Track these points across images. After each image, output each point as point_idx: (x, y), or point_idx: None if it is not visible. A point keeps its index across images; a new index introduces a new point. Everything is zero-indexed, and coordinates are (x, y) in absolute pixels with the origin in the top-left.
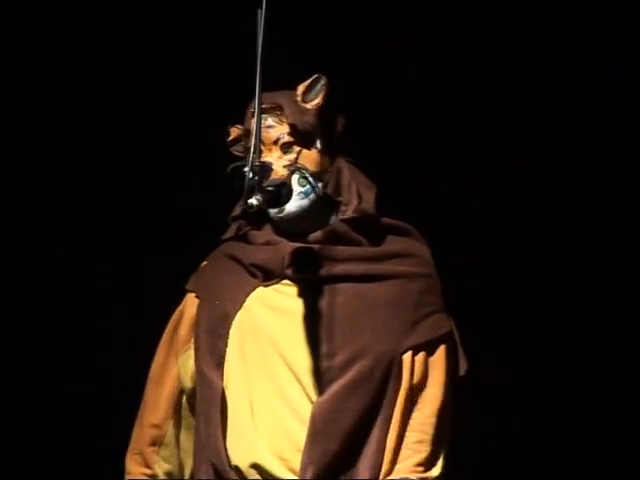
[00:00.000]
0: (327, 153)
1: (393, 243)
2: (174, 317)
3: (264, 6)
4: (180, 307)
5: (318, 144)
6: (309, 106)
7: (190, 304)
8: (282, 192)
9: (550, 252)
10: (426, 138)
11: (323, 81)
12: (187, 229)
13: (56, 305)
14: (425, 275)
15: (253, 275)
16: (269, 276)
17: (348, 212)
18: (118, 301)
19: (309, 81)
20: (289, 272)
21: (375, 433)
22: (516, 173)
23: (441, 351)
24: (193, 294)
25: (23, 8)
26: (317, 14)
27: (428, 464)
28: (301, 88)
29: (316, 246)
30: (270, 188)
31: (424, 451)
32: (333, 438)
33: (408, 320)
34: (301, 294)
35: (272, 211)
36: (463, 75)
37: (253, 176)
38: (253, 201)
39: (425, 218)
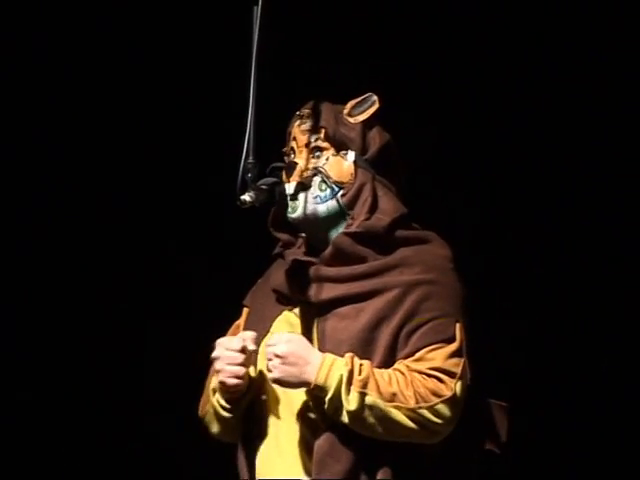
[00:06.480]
0: (358, 167)
1: (400, 253)
2: (232, 328)
3: (260, 3)
4: (238, 321)
5: (350, 156)
6: (352, 120)
7: (245, 319)
8: (275, 191)
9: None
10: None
11: (373, 99)
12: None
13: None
14: (429, 281)
15: (278, 300)
16: (288, 300)
17: (353, 227)
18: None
19: (361, 98)
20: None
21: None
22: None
23: (439, 351)
24: (248, 309)
25: (23, 9)
26: (313, 11)
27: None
28: (351, 103)
29: (315, 267)
30: (264, 186)
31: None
32: (340, 459)
33: (401, 332)
34: (307, 318)
35: (287, 212)
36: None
37: (245, 173)
38: (246, 197)
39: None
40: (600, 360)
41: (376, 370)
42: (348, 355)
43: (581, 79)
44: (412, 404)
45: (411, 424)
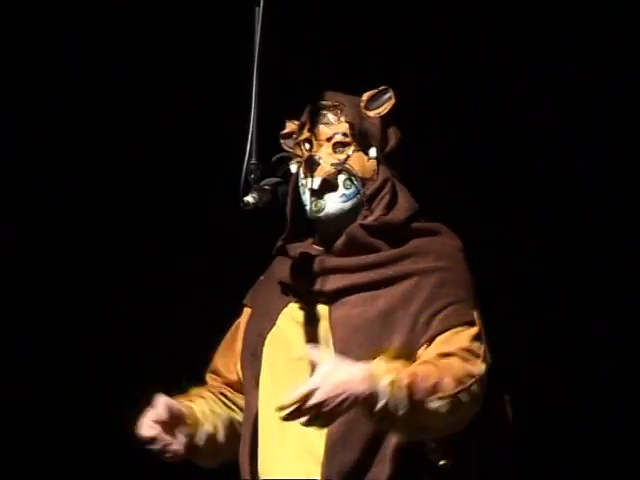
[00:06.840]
0: (378, 162)
1: (414, 243)
2: (232, 329)
3: (261, 4)
4: (238, 320)
5: (371, 152)
6: (371, 114)
7: (246, 318)
8: (278, 191)
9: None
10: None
11: (390, 93)
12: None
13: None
14: (443, 268)
15: (284, 292)
16: (295, 292)
17: (369, 219)
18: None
19: (376, 90)
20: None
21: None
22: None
23: (463, 333)
24: (249, 309)
25: (22, 10)
26: (315, 12)
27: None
28: (367, 95)
29: (322, 258)
30: (267, 187)
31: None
32: (351, 448)
33: (421, 317)
34: (315, 309)
35: (310, 209)
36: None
37: (248, 174)
38: (249, 199)
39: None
40: (601, 360)
41: (408, 369)
42: (378, 360)
43: (583, 79)
44: (452, 389)
45: (449, 412)
